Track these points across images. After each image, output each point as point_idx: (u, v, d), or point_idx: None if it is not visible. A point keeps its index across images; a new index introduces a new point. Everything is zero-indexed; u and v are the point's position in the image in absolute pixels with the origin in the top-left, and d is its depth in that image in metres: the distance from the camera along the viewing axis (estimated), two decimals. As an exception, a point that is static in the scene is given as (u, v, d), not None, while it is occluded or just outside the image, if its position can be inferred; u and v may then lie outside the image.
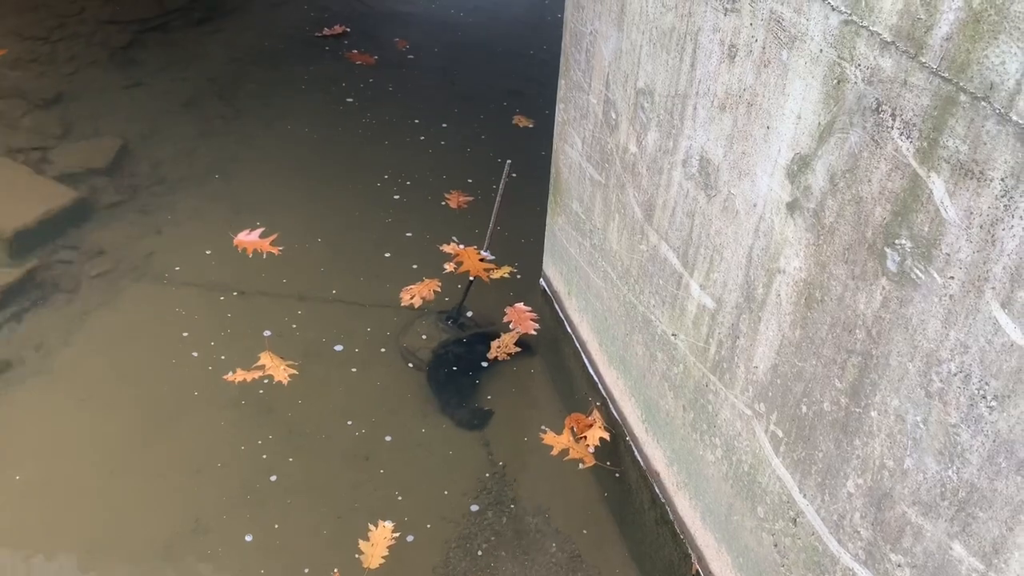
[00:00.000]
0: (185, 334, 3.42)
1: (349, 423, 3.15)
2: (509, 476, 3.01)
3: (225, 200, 4.17)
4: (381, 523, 2.80)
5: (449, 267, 3.83)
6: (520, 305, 3.64)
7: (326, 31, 5.73)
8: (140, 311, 3.53)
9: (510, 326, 3.55)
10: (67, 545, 2.69)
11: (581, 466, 3.04)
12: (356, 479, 2.96)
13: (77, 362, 3.28)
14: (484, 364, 3.41)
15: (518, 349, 3.47)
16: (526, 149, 4.60)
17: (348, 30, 5.77)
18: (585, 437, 3.11)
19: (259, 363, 3.31)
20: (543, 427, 3.18)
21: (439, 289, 3.71)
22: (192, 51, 5.37)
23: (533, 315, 3.60)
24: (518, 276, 3.85)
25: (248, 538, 2.74)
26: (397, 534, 2.78)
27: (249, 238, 3.87)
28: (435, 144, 4.74)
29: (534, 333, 3.54)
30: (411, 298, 3.65)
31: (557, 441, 3.10)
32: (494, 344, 3.46)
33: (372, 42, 5.70)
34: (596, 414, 3.19)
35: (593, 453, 3.07)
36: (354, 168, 4.49)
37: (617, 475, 3.04)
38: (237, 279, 3.70)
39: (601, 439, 3.10)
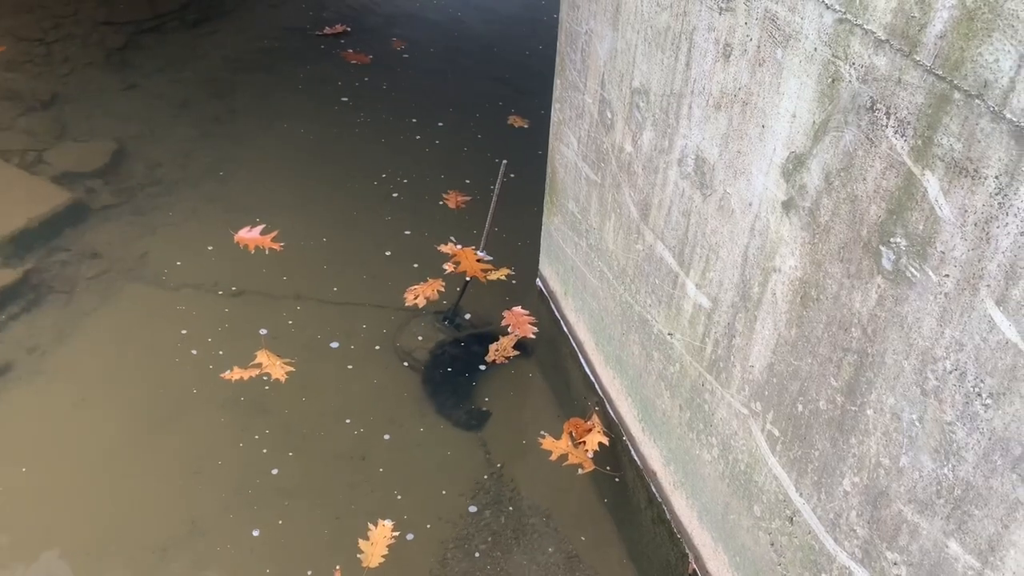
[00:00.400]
0: (182, 334, 3.42)
1: (347, 421, 3.14)
2: (507, 477, 3.01)
3: (222, 201, 4.16)
4: (381, 522, 2.79)
5: (448, 267, 3.83)
6: (518, 309, 3.63)
7: (327, 30, 5.74)
8: (136, 312, 3.52)
9: (508, 330, 3.54)
10: (64, 547, 2.68)
11: (580, 471, 3.02)
12: (354, 479, 2.95)
13: (73, 363, 3.27)
14: (482, 367, 3.40)
15: (516, 353, 3.46)
16: (523, 149, 4.60)
17: (349, 29, 5.78)
18: (584, 442, 3.09)
19: (256, 361, 3.30)
20: (541, 430, 3.18)
21: (443, 289, 3.71)
22: (188, 52, 5.37)
23: (531, 319, 3.59)
24: (514, 277, 3.84)
25: (254, 533, 2.74)
26: (397, 533, 2.78)
27: (250, 235, 3.88)
28: (431, 143, 4.74)
29: (532, 337, 3.53)
30: (415, 298, 3.65)
31: (556, 446, 3.08)
32: (492, 347, 3.45)
33: (368, 42, 5.71)
34: (595, 419, 3.18)
35: (592, 458, 3.05)
36: (352, 168, 4.48)
37: (616, 479, 3.04)
38: (234, 279, 3.70)
39: (600, 444, 3.08)
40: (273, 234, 3.90)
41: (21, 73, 4.90)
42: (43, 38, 5.23)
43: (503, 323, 3.57)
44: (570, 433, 3.13)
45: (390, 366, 3.38)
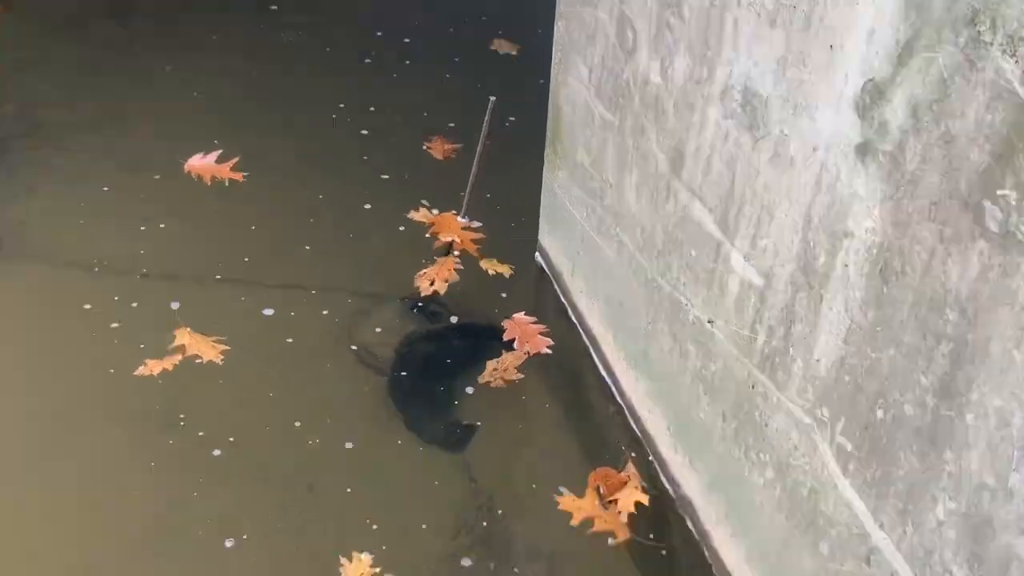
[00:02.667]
0: (78, 319, 3.44)
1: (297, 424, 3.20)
2: (496, 501, 3.05)
3: (123, 153, 4.18)
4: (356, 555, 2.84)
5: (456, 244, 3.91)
6: (520, 316, 3.59)
7: None
8: (12, 298, 3.53)
9: (514, 345, 3.50)
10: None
11: (611, 541, 2.99)
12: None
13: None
14: (469, 391, 3.41)
15: (521, 376, 3.42)
16: (513, 81, 4.65)
17: None
18: (616, 500, 3.03)
19: (176, 344, 3.36)
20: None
21: (460, 265, 3.81)
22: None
23: (541, 327, 3.54)
24: (508, 255, 3.86)
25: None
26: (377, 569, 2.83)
27: (203, 162, 3.99)
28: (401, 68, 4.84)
29: (548, 351, 3.49)
30: (431, 284, 3.73)
31: (578, 506, 3.03)
32: (490, 365, 3.43)
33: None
34: (630, 467, 3.11)
35: (627, 522, 3.00)
36: (298, 105, 4.52)
37: (663, 552, 3.05)
38: (135, 253, 3.71)
39: (637, 503, 3.02)
40: (232, 162, 3.98)
41: None
42: None
43: (505, 337, 3.53)
44: (597, 488, 3.09)
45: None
